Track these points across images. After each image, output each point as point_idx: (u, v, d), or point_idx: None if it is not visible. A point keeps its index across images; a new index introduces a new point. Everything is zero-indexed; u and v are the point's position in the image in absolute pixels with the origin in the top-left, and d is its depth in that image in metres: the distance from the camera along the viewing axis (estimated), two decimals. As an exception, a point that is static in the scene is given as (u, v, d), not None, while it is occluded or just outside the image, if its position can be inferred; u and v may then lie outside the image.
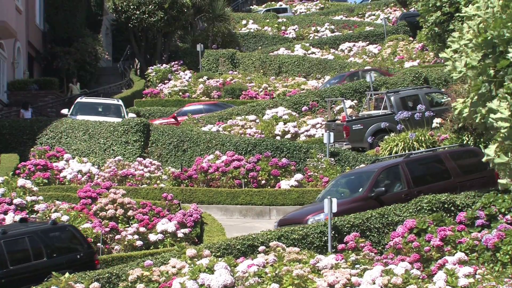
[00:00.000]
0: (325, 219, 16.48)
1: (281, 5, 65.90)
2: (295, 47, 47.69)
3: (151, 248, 18.67)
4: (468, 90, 15.13)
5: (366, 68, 38.24)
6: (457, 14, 30.85)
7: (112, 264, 16.75)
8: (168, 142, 25.78)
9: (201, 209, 20.44)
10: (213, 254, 14.78)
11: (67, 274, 14.23)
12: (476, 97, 14.73)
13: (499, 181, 15.47)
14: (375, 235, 16.16)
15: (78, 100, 32.02)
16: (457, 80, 15.81)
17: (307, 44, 48.23)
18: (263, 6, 66.93)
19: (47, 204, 19.57)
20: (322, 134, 26.95)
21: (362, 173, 19.16)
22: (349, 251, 15.21)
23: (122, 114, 30.57)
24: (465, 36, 15.04)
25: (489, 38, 14.35)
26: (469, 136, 23.42)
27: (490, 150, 14.40)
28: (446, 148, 20.22)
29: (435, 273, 13.37)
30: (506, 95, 13.86)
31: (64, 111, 30.57)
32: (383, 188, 17.87)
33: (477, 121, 15.08)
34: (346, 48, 47.98)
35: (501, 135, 13.81)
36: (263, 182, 22.77)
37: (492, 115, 14.14)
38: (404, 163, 18.43)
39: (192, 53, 45.58)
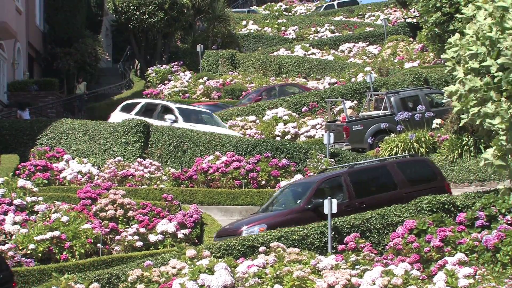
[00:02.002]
0: (259, 231, 16.46)
1: (280, 6, 65.91)
2: (295, 47, 47.68)
3: (151, 248, 18.67)
4: (466, 96, 15.15)
5: (282, 83, 37.66)
6: (457, 14, 30.86)
7: (112, 265, 16.76)
8: (168, 143, 25.78)
9: (201, 209, 20.44)
10: (213, 254, 14.78)
11: (67, 275, 14.25)
12: (474, 101, 14.77)
13: (498, 187, 15.49)
14: (375, 235, 16.16)
15: (178, 105, 29.31)
16: (457, 100, 15.81)
17: (307, 45, 48.23)
18: (263, 7, 66.95)
19: (47, 204, 19.58)
20: (322, 134, 26.95)
21: (306, 184, 18.69)
22: (349, 252, 15.22)
23: (220, 123, 28.64)
24: (464, 40, 15.07)
25: (487, 35, 14.38)
26: (469, 136, 23.45)
27: (488, 154, 14.42)
28: (398, 158, 20.05)
29: (435, 274, 13.38)
30: (503, 98, 13.89)
31: (170, 117, 27.75)
32: (321, 200, 17.14)
33: (477, 123, 15.11)
34: (346, 49, 47.97)
35: (500, 137, 13.83)
36: (263, 182, 22.77)
37: (488, 120, 14.18)
38: (347, 173, 18.11)
39: (192, 54, 45.58)
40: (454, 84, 15.18)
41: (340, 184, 18.00)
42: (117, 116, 28.52)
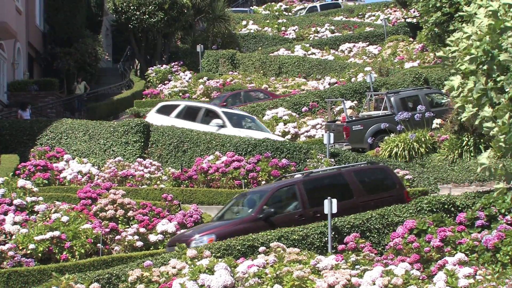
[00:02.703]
0: (208, 242, 16.16)
1: (280, 6, 65.91)
2: (295, 47, 47.68)
3: (151, 248, 18.68)
4: (465, 99, 15.16)
5: (247, 89, 37.17)
6: (457, 14, 30.87)
7: (112, 265, 16.76)
8: (168, 142, 25.78)
9: (201, 209, 20.44)
10: (213, 254, 14.79)
11: (67, 275, 14.26)
12: (471, 99, 14.78)
13: (495, 186, 15.49)
14: (375, 235, 16.17)
15: (223, 109, 28.21)
16: (456, 96, 15.77)
17: (307, 45, 48.23)
18: (263, 7, 66.96)
19: (47, 204, 19.59)
20: (322, 134, 26.95)
21: (261, 192, 18.18)
22: (349, 252, 15.22)
23: (263, 127, 27.59)
24: (460, 45, 15.08)
25: (485, 44, 14.40)
26: (469, 136, 23.46)
27: (483, 158, 14.43)
28: (358, 165, 19.68)
29: (435, 274, 13.38)
30: (502, 99, 13.89)
31: (217, 122, 26.77)
32: (272, 209, 17.13)
33: (476, 122, 15.11)
34: (346, 49, 47.97)
35: (499, 139, 13.84)
36: (263, 182, 22.77)
37: (486, 124, 14.19)
38: (301, 182, 17.76)
39: (192, 54, 45.59)
40: (454, 78, 15.13)
41: (295, 192, 17.62)
42: (154, 118, 27.50)
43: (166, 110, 28.03)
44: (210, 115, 27.14)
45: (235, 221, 17.34)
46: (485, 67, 14.72)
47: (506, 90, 14.13)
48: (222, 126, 26.37)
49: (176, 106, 28.21)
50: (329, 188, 18.12)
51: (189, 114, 27.45)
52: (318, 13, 60.02)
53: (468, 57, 14.71)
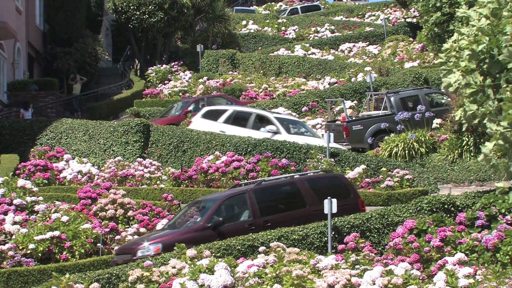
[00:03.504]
0: (154, 251, 16.05)
1: (280, 6, 65.90)
2: (295, 47, 47.67)
3: (151, 248, 18.66)
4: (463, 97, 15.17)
5: (210, 94, 36.77)
6: (457, 14, 30.88)
7: (112, 265, 16.77)
8: (168, 142, 25.78)
9: (201, 209, 20.43)
10: (213, 254, 14.79)
11: (67, 275, 14.26)
12: (471, 100, 14.78)
13: (496, 184, 15.49)
14: (375, 235, 16.17)
15: (275, 114, 27.14)
16: (454, 92, 15.77)
17: (307, 45, 48.22)
18: (263, 7, 66.95)
19: (47, 204, 19.59)
20: (322, 134, 26.95)
21: (211, 201, 17.82)
22: (349, 252, 15.22)
23: (314, 132, 26.68)
24: (460, 42, 15.07)
25: (484, 44, 14.40)
26: (469, 136, 23.46)
27: (487, 149, 14.41)
28: (310, 173, 19.39)
29: (435, 274, 13.38)
30: (509, 93, 13.87)
31: (271, 128, 25.68)
32: (221, 218, 16.87)
33: (475, 122, 15.12)
34: (346, 49, 47.97)
35: (498, 136, 13.84)
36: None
37: (488, 124, 14.18)
38: (252, 191, 17.38)
39: (192, 54, 45.58)
40: (453, 74, 15.13)
41: (245, 201, 17.29)
42: (200, 124, 26.67)
43: (213, 115, 27.12)
44: (261, 121, 26.18)
45: (183, 230, 16.99)
46: (485, 66, 14.72)
47: (503, 85, 14.14)
48: (276, 132, 25.44)
49: (224, 111, 27.26)
50: (281, 197, 17.91)
51: (239, 119, 26.62)
52: (319, 13, 60.02)
53: (467, 52, 14.71)
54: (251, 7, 67.83)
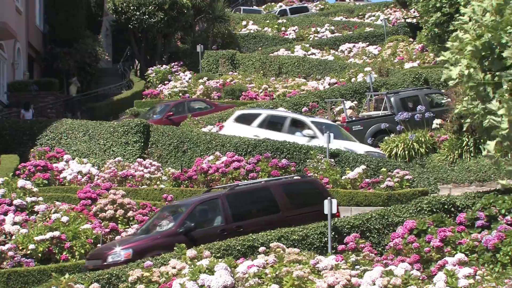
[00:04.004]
0: (124, 257, 15.85)
1: (281, 6, 65.88)
2: (295, 48, 47.67)
3: (151, 249, 18.65)
4: (465, 91, 15.16)
5: (190, 98, 36.46)
6: (457, 14, 30.87)
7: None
8: (168, 143, 25.79)
9: (201, 210, 20.41)
10: (213, 255, 14.79)
11: (67, 275, 14.26)
12: (474, 97, 14.76)
13: (499, 181, 15.49)
14: (375, 236, 16.17)
15: (311, 118, 26.40)
16: (454, 86, 15.78)
17: (307, 45, 48.23)
18: (263, 7, 66.94)
19: (47, 205, 19.60)
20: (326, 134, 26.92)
21: (184, 205, 17.59)
22: (349, 252, 15.22)
23: (350, 136, 25.73)
24: (461, 39, 15.06)
25: (487, 40, 14.38)
26: (469, 136, 23.48)
27: (490, 146, 14.40)
28: (286, 179, 19.08)
29: (435, 274, 13.38)
30: (506, 95, 13.88)
31: (308, 132, 24.88)
32: (193, 224, 16.64)
33: (477, 122, 15.11)
34: (346, 49, 47.96)
35: (501, 133, 13.83)
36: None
37: (492, 117, 14.16)
38: (225, 196, 17.22)
39: (192, 54, 45.58)
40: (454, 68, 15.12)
41: (218, 206, 17.13)
42: (232, 128, 26.06)
43: (246, 119, 26.51)
44: (296, 125, 25.57)
45: (154, 235, 16.82)
46: (486, 63, 14.70)
47: (504, 86, 14.13)
48: (313, 136, 24.71)
49: (257, 115, 26.53)
50: (254, 202, 17.73)
51: (273, 123, 26.03)
52: (319, 14, 60.01)
53: (469, 48, 14.69)
54: (253, 7, 67.81)
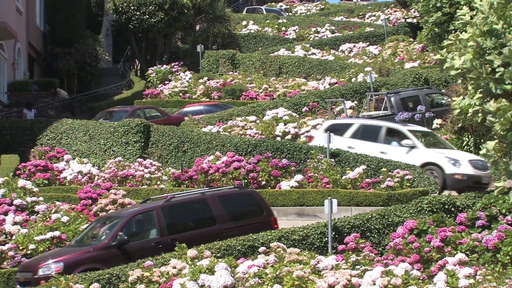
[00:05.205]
0: (55, 271, 15.48)
1: (281, 6, 65.85)
2: (295, 48, 47.67)
3: (151, 249, 18.65)
4: (466, 87, 15.17)
5: (144, 106, 35.62)
6: (457, 14, 30.88)
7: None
8: (168, 143, 25.79)
9: (202, 210, 20.39)
10: (214, 255, 14.79)
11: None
12: (478, 95, 14.75)
13: (496, 184, 15.49)
14: (376, 236, 16.17)
15: (408, 127, 24.41)
16: (455, 77, 15.62)
17: (307, 45, 48.23)
18: (263, 7, 66.88)
19: (47, 205, 19.60)
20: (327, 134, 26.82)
21: (118, 217, 17.19)
22: (350, 252, 15.22)
23: (446, 143, 24.08)
24: (466, 32, 15.05)
25: (493, 27, 14.34)
26: (469, 136, 23.45)
27: (490, 146, 14.41)
28: (223, 190, 18.71)
29: (436, 274, 13.38)
30: (504, 100, 13.89)
31: (407, 142, 23.24)
32: (126, 237, 16.32)
33: (478, 120, 15.11)
34: (347, 49, 47.97)
35: (498, 133, 13.84)
36: (263, 183, 22.76)
37: (490, 117, 14.17)
38: (160, 208, 16.96)
39: (193, 54, 45.58)
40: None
41: (153, 219, 16.86)
42: (323, 139, 23.73)
43: (338, 129, 24.85)
44: (392, 134, 24.07)
45: (87, 248, 16.45)
46: (488, 58, 14.69)
47: (506, 83, 14.12)
48: (413, 147, 23.14)
49: (349, 125, 25.09)
50: (190, 214, 17.50)
51: (367, 133, 24.48)
52: (319, 14, 59.98)
53: (471, 43, 14.68)
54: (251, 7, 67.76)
